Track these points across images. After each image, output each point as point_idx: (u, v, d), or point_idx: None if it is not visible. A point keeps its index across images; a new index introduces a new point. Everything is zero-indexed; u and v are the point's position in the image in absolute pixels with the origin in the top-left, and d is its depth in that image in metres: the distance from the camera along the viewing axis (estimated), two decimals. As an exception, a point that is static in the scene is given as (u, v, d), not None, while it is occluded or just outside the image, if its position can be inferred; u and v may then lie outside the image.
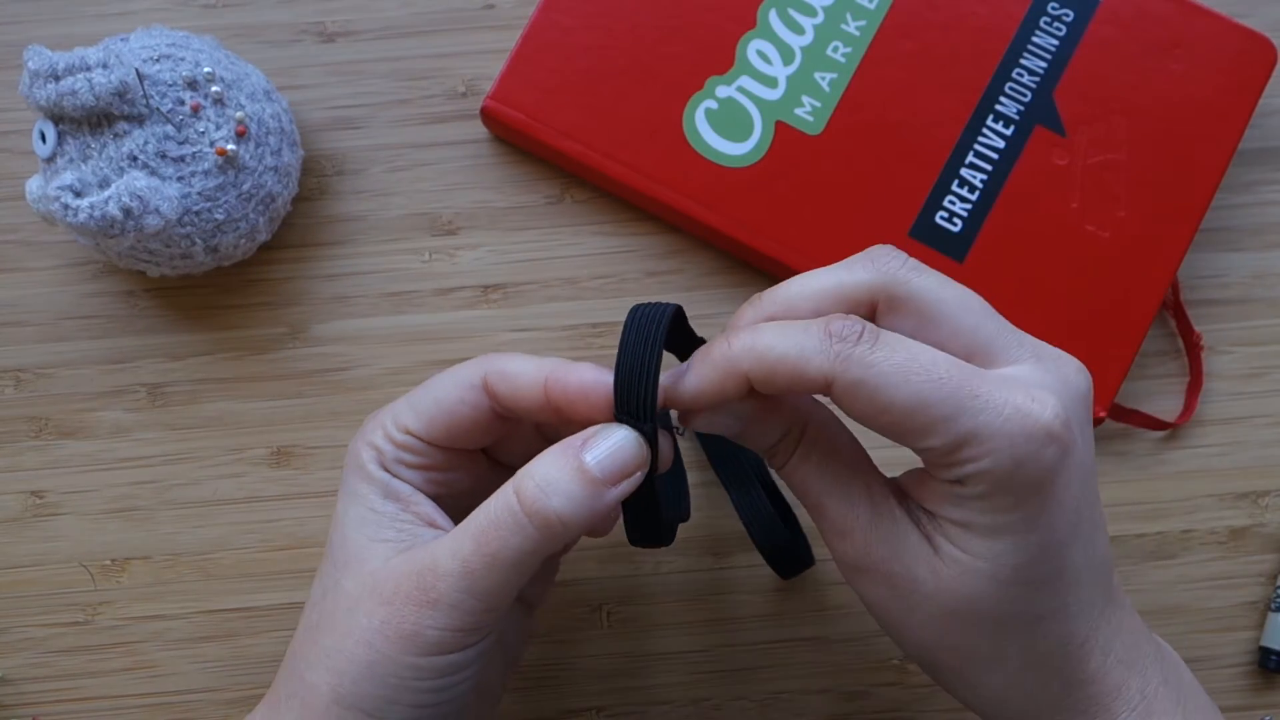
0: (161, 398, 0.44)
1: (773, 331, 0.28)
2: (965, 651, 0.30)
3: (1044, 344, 0.30)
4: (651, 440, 0.29)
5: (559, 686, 0.42)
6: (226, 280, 0.44)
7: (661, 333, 0.29)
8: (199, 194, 0.39)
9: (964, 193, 0.42)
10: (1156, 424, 0.43)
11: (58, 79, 0.38)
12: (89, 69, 0.38)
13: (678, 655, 0.42)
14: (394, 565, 0.30)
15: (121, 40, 0.41)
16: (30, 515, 0.43)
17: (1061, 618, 0.29)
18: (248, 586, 0.42)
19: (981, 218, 0.42)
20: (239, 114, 0.40)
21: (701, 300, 0.44)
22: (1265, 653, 0.41)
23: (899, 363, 0.27)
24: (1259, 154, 0.45)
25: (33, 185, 0.40)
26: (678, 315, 0.31)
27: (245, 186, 0.40)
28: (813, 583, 0.42)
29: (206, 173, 0.39)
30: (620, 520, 0.33)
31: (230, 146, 0.39)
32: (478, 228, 0.45)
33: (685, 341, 0.34)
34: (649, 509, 0.31)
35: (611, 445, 0.29)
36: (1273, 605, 0.42)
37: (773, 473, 0.40)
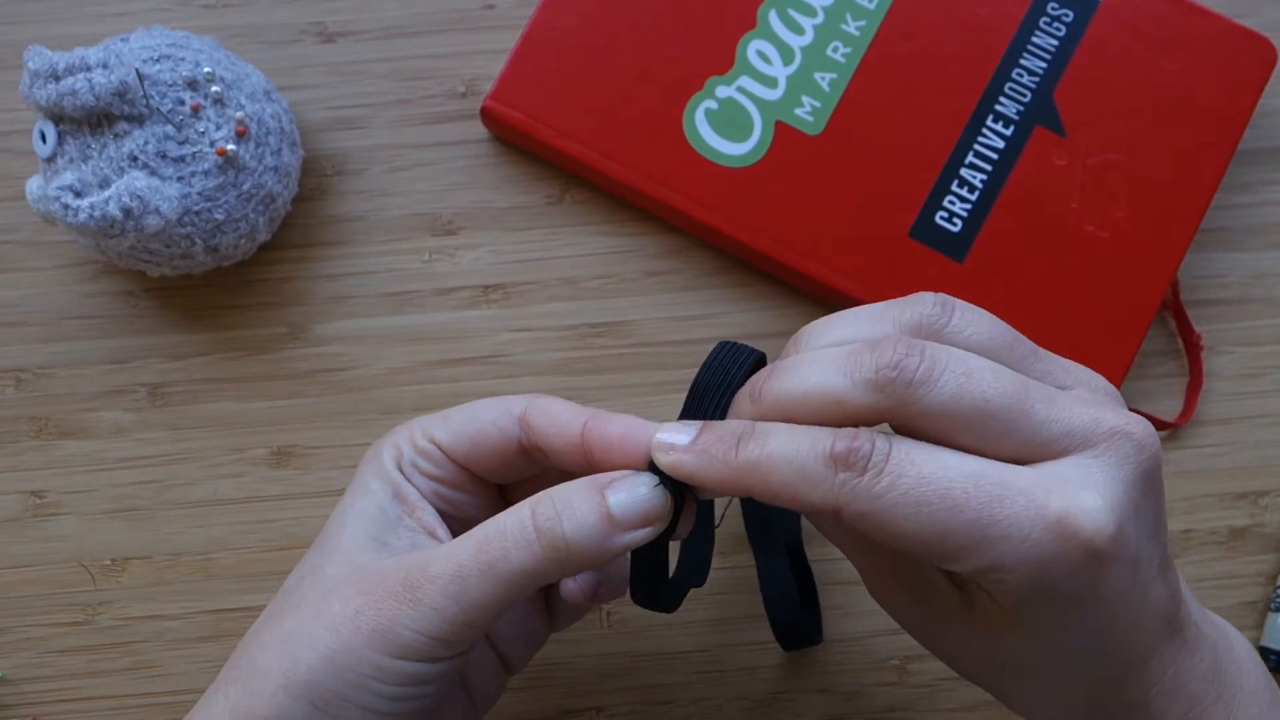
0: (162, 398, 0.44)
1: (777, 444, 0.26)
2: (998, 686, 0.30)
3: (1103, 410, 0.26)
4: (678, 500, 0.29)
5: (559, 686, 0.42)
6: (226, 280, 0.44)
7: (735, 384, 0.28)
8: (199, 194, 0.39)
9: (964, 193, 0.42)
10: (1157, 424, 0.43)
11: (58, 79, 0.38)
12: (89, 69, 0.38)
13: (678, 655, 0.42)
14: (384, 561, 0.30)
15: (122, 40, 0.41)
16: (31, 515, 0.43)
17: (1103, 664, 0.28)
18: (248, 586, 0.42)
19: (981, 218, 0.42)
20: (239, 114, 0.40)
21: (701, 300, 0.44)
22: (1265, 653, 0.41)
23: (908, 489, 0.24)
24: (1259, 154, 0.45)
25: (33, 185, 0.40)
26: (759, 364, 0.29)
27: (245, 187, 0.40)
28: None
29: (206, 173, 0.39)
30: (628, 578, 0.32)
31: (230, 147, 0.39)
32: (478, 228, 0.45)
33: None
34: (655, 570, 0.30)
35: (637, 491, 0.28)
36: (1273, 605, 0.42)
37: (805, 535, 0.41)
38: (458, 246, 0.45)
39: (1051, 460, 0.25)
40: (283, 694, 0.28)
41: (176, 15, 0.46)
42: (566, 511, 0.28)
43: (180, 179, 0.39)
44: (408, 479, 0.32)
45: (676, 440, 0.28)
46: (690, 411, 0.29)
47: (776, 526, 0.40)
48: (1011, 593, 0.25)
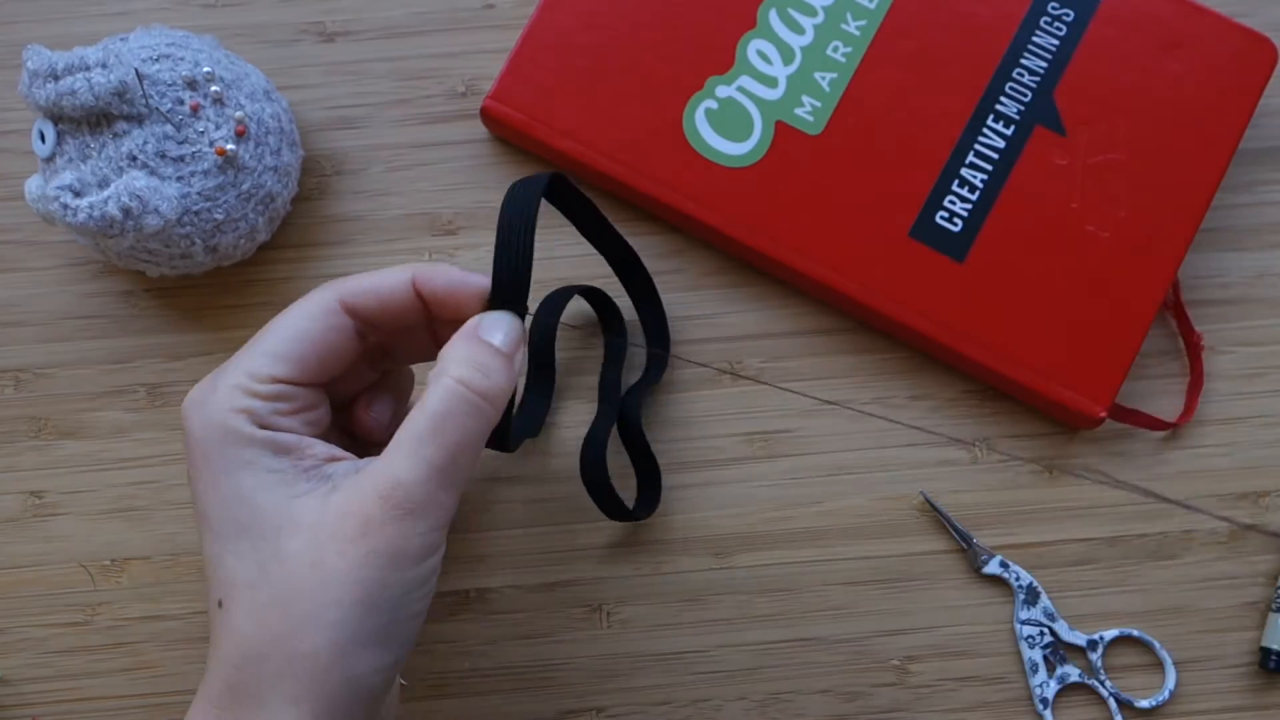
0: (161, 398, 0.43)
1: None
2: None
3: None
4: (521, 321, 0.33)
5: (559, 686, 0.42)
6: (226, 280, 0.44)
7: (532, 215, 0.32)
8: (198, 194, 0.39)
9: (964, 193, 0.42)
10: (1157, 424, 0.43)
11: (57, 79, 0.38)
12: (88, 69, 0.38)
13: (678, 655, 0.42)
14: (337, 504, 0.29)
15: (121, 40, 0.41)
16: (30, 515, 0.43)
17: None
18: (247, 587, 0.42)
19: (982, 217, 0.42)
20: (238, 114, 0.40)
21: (703, 300, 0.44)
22: (1265, 653, 0.41)
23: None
24: (1259, 154, 0.45)
25: (32, 185, 0.40)
26: (553, 186, 0.33)
27: (245, 186, 0.40)
28: (812, 582, 0.42)
29: (206, 173, 0.39)
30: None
31: (230, 146, 0.39)
32: (478, 228, 0.45)
33: (576, 205, 0.38)
34: (506, 418, 0.33)
35: (508, 325, 0.32)
36: (1273, 605, 0.42)
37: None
38: (458, 246, 0.45)
39: None
40: (344, 660, 0.28)
41: (176, 15, 0.46)
42: (486, 368, 0.31)
43: (180, 179, 0.39)
44: (277, 429, 0.31)
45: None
46: (499, 259, 0.32)
47: (620, 396, 0.43)
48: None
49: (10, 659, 0.42)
